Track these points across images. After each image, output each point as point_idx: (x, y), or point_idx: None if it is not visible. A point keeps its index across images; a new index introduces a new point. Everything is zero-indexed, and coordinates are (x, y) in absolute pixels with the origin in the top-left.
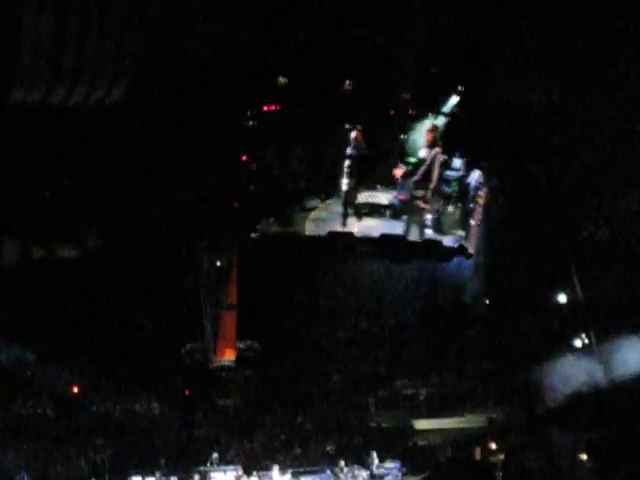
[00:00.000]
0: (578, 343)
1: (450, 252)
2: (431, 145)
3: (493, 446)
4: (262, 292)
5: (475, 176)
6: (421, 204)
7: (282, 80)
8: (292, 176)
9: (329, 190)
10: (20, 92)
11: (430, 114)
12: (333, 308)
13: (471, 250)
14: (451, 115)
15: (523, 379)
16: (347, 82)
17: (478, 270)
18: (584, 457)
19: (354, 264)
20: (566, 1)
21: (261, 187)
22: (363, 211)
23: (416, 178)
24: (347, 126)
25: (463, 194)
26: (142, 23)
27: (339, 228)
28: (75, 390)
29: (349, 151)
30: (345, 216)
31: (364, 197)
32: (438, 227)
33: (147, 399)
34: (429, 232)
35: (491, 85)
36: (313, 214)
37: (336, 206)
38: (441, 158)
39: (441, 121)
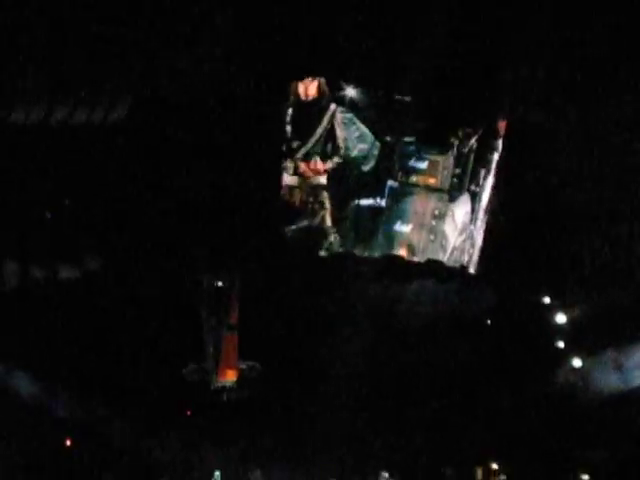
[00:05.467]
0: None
1: (451, 273)
2: None
3: (495, 466)
4: (263, 312)
5: None
6: None
7: None
8: None
9: None
10: (20, 113)
11: None
12: (336, 328)
13: (472, 270)
14: None
15: (522, 399)
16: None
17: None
18: (585, 477)
19: (355, 283)
20: None
21: None
22: None
23: None
24: None
25: None
26: (142, 43)
27: None
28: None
29: None
30: None
31: None
32: None
33: (148, 419)
34: None
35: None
36: None
37: None
38: None
39: None
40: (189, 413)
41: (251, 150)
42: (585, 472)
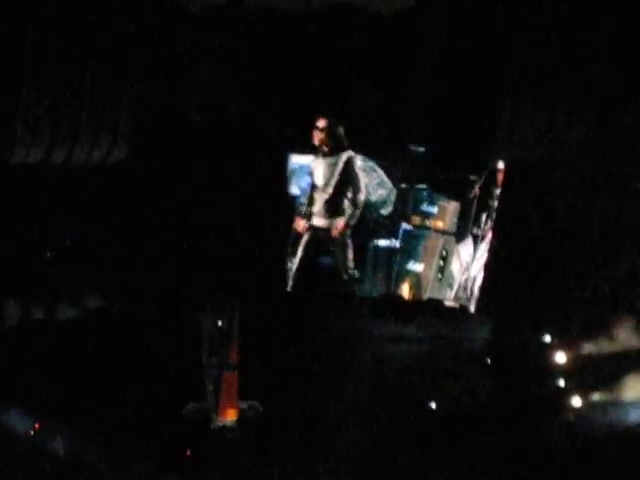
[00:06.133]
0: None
1: (451, 311)
2: None
3: None
4: (264, 351)
5: None
6: None
7: None
8: None
9: None
10: (20, 153)
11: None
12: (335, 368)
13: (472, 309)
14: None
15: (522, 438)
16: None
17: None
18: None
19: (356, 323)
20: None
21: None
22: None
23: None
24: None
25: None
26: (141, 79)
27: None
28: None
29: None
30: None
31: None
32: None
33: (147, 459)
34: None
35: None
36: None
37: None
38: None
39: None
40: (189, 453)
41: (260, 186)
42: None
